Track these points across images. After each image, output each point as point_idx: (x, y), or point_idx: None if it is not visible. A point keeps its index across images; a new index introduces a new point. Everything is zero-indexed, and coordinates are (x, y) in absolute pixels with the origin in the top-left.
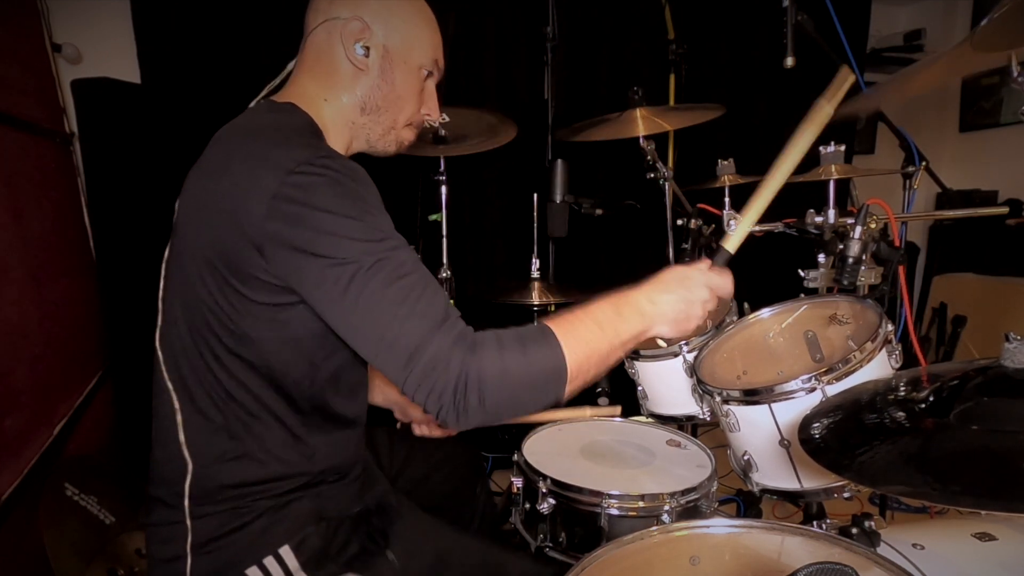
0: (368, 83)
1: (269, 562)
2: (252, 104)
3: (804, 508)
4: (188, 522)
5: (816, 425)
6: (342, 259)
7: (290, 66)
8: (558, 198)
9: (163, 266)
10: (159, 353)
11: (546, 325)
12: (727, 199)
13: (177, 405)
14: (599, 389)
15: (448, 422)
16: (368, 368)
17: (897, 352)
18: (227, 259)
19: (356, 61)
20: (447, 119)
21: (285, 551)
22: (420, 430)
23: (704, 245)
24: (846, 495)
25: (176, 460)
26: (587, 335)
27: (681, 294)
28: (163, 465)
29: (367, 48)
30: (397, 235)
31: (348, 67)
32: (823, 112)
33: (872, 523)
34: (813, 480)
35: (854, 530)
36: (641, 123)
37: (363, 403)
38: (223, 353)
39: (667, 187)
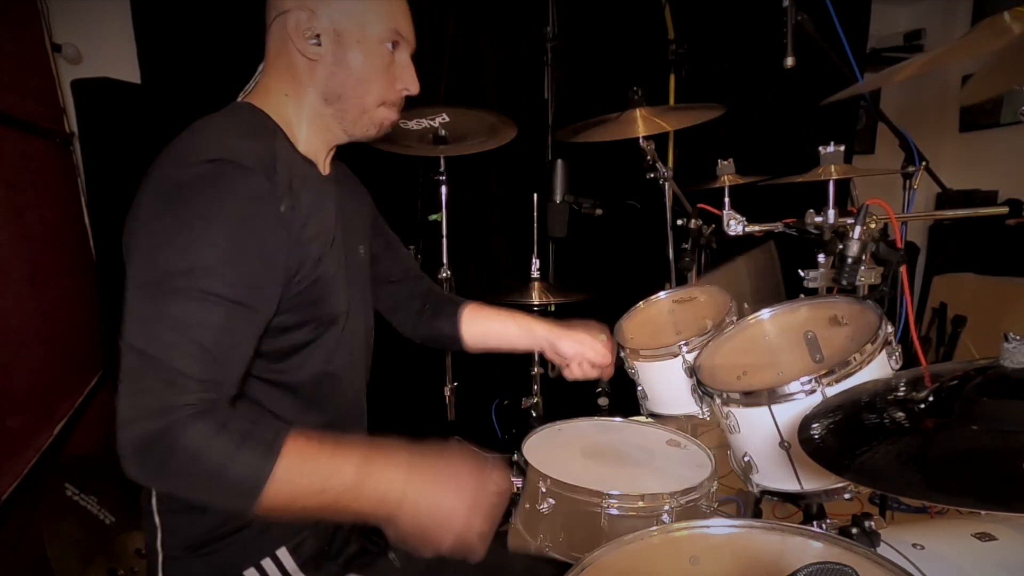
0: (325, 72)
1: (267, 563)
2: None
3: (804, 508)
4: (185, 523)
5: (816, 426)
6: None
7: (261, 68)
8: (558, 198)
9: None
10: None
11: (283, 441)
12: (727, 199)
13: None
14: (599, 389)
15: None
16: None
17: (897, 353)
18: None
19: (308, 53)
20: (446, 119)
21: (283, 553)
22: (571, 374)
23: (704, 245)
24: (847, 496)
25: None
26: (312, 481)
27: (444, 504)
28: None
29: (318, 36)
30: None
31: (302, 60)
32: None
33: (872, 523)
34: (813, 481)
35: (854, 530)
36: (641, 123)
37: (344, 405)
38: None
39: (667, 187)
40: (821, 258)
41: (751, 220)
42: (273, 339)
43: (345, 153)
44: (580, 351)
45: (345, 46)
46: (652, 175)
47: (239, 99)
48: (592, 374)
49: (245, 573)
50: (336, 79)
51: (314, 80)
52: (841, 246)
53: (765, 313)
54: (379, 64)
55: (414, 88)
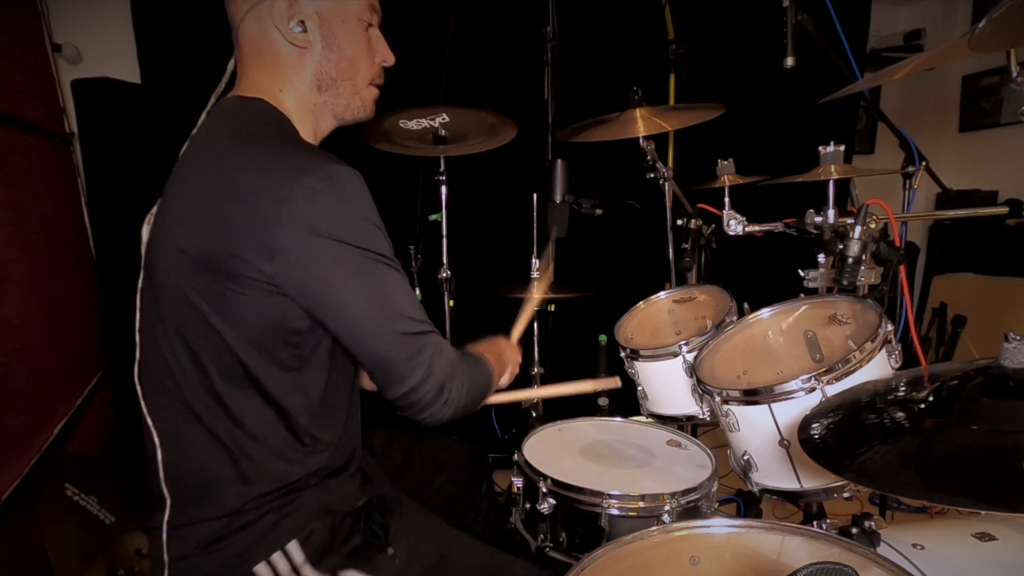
0: (315, 58)
1: (277, 557)
2: (210, 107)
3: (804, 508)
4: (196, 530)
5: (816, 425)
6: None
7: (231, 65)
8: (558, 198)
9: (137, 297)
10: (138, 388)
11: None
12: (727, 199)
13: (157, 442)
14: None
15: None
16: None
17: (897, 352)
18: (220, 263)
19: (296, 41)
20: (446, 119)
21: (293, 546)
22: None
23: (704, 245)
24: (846, 495)
25: (157, 495)
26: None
27: (509, 359)
28: (152, 480)
29: (302, 23)
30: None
31: (290, 50)
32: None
33: (872, 523)
34: (813, 480)
35: (854, 530)
36: (641, 123)
37: (354, 396)
38: (211, 364)
39: (667, 187)
40: (821, 258)
41: (751, 220)
42: (299, 345)
43: (346, 153)
44: None
45: (332, 28)
46: (652, 175)
47: (211, 101)
48: None
49: (256, 568)
50: (328, 63)
51: (304, 68)
52: (841, 246)
53: (765, 312)
54: (363, 41)
55: (390, 59)
